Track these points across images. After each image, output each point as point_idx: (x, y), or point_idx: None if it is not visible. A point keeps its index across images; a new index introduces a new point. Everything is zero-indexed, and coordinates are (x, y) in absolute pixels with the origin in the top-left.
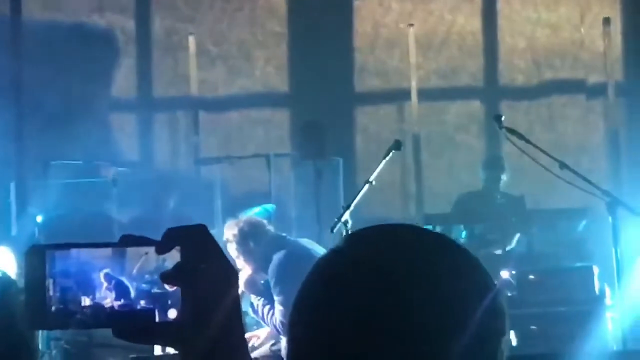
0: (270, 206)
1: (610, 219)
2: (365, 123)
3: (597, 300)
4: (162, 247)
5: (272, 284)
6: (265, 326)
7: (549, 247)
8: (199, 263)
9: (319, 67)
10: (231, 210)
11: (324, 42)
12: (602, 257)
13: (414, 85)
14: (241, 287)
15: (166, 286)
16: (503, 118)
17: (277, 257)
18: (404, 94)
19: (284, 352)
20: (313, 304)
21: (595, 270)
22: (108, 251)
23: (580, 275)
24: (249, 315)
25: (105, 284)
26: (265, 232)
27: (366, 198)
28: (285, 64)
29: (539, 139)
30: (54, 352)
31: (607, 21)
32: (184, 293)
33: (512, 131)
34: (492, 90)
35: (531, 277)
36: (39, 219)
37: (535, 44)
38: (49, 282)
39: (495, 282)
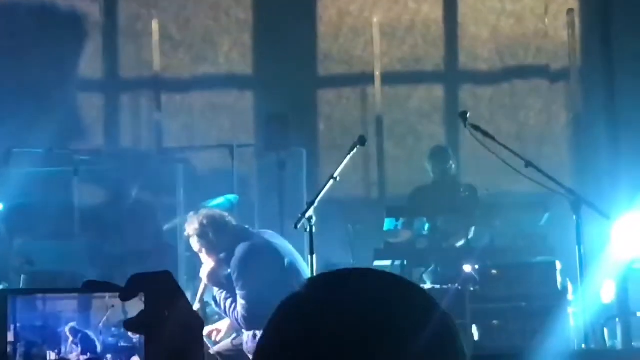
0: (233, 197)
1: (574, 217)
2: (329, 111)
3: (559, 296)
4: (127, 294)
5: (234, 277)
6: (226, 317)
7: (512, 241)
8: (163, 310)
9: (283, 54)
10: (194, 200)
11: (289, 29)
12: (565, 251)
13: (377, 73)
14: (204, 280)
15: (130, 334)
16: (468, 115)
17: (239, 251)
18: (368, 82)
19: (245, 347)
20: (276, 348)
21: (558, 265)
22: (74, 303)
23: (543, 271)
24: (211, 307)
25: (71, 338)
26: (226, 224)
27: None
28: (249, 51)
29: (501, 128)
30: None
31: (571, 12)
32: (148, 340)
33: (477, 128)
34: (455, 79)
35: (494, 271)
36: (0, 207)
37: (498, 34)
38: (11, 329)
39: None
